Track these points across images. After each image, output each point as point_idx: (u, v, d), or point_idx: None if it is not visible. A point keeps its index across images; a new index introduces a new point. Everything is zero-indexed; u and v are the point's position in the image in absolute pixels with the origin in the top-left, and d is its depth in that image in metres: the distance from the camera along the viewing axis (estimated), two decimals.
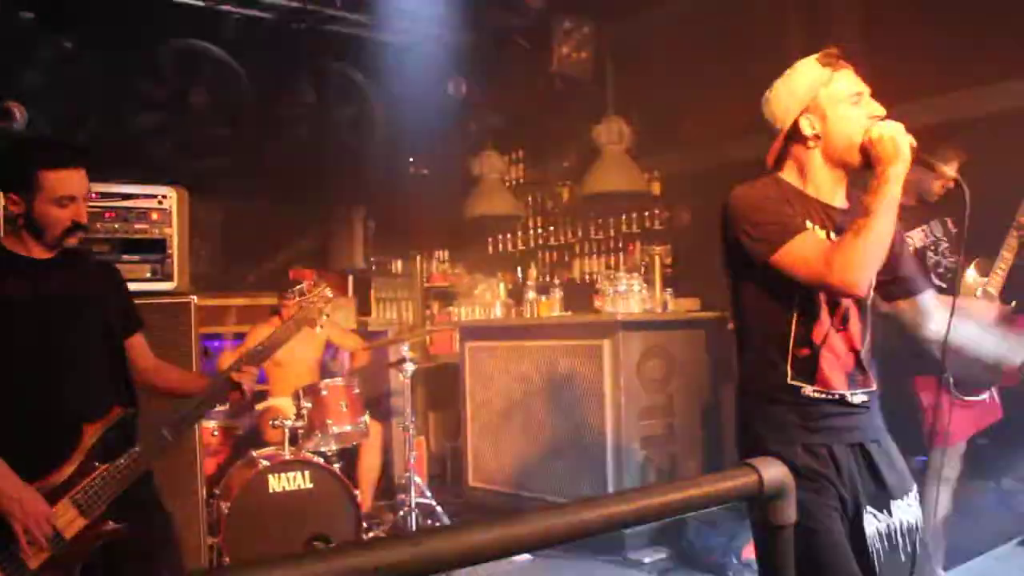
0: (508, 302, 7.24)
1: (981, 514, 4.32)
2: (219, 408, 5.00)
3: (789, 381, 2.18)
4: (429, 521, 5.23)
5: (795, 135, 2.23)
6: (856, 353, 2.23)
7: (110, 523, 2.51)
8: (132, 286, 3.34)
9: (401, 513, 5.18)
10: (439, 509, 5.35)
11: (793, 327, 2.18)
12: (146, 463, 2.59)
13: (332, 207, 7.67)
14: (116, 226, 3.33)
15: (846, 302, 2.20)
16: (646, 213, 6.89)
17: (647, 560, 4.63)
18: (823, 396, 2.18)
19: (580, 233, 7.50)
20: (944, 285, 3.73)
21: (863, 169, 2.16)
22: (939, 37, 4.84)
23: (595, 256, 7.36)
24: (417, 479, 5.32)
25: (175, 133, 5.66)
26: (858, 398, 2.22)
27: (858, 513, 2.16)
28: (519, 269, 7.83)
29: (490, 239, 8.26)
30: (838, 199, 2.26)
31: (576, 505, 1.26)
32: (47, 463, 2.48)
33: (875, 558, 2.14)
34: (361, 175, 7.37)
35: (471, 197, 7.69)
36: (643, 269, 6.19)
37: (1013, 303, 3.76)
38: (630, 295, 5.29)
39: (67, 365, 2.59)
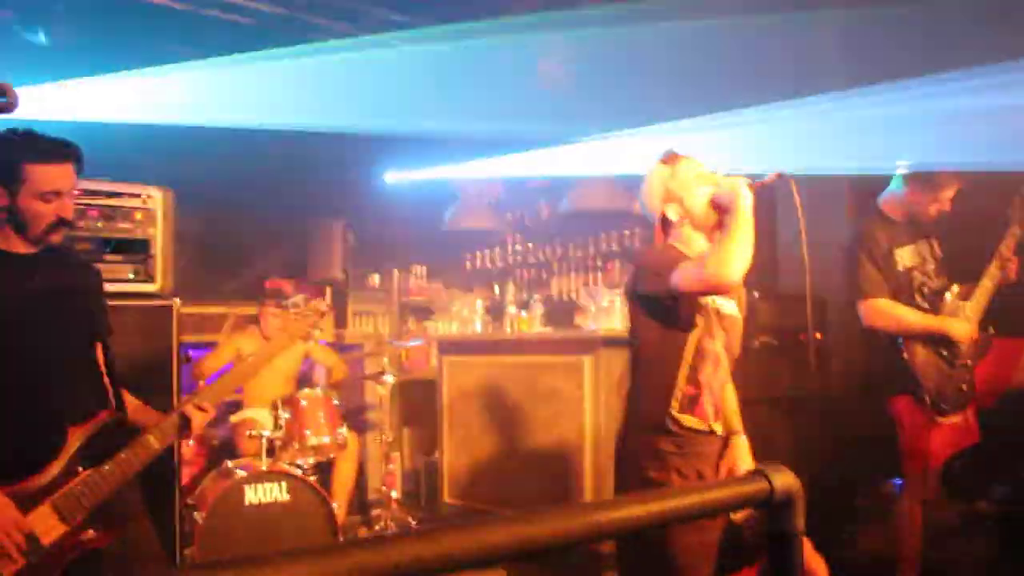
0: (486, 318, 7.21)
1: (955, 534, 4.34)
2: None
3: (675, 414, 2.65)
4: None
5: (667, 221, 2.76)
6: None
7: (91, 532, 2.43)
8: (113, 287, 3.30)
9: (377, 528, 5.12)
10: (414, 524, 5.29)
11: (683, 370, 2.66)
12: (132, 470, 2.50)
13: (312, 218, 7.62)
14: (99, 224, 3.25)
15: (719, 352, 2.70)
16: (625, 232, 6.92)
17: None
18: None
19: (559, 251, 7.51)
20: (927, 305, 3.78)
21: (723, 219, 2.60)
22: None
23: (573, 274, 7.37)
24: (394, 493, 5.26)
25: (155, 138, 5.60)
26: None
27: None
28: (496, 286, 7.81)
29: (468, 255, 8.24)
30: None
31: (593, 505, 1.24)
32: (29, 465, 2.40)
33: None
34: (341, 187, 7.34)
35: (450, 212, 7.68)
36: (623, 286, 6.18)
37: (989, 328, 3.80)
38: (612, 311, 5.28)
39: (50, 365, 2.52)
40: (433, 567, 1.08)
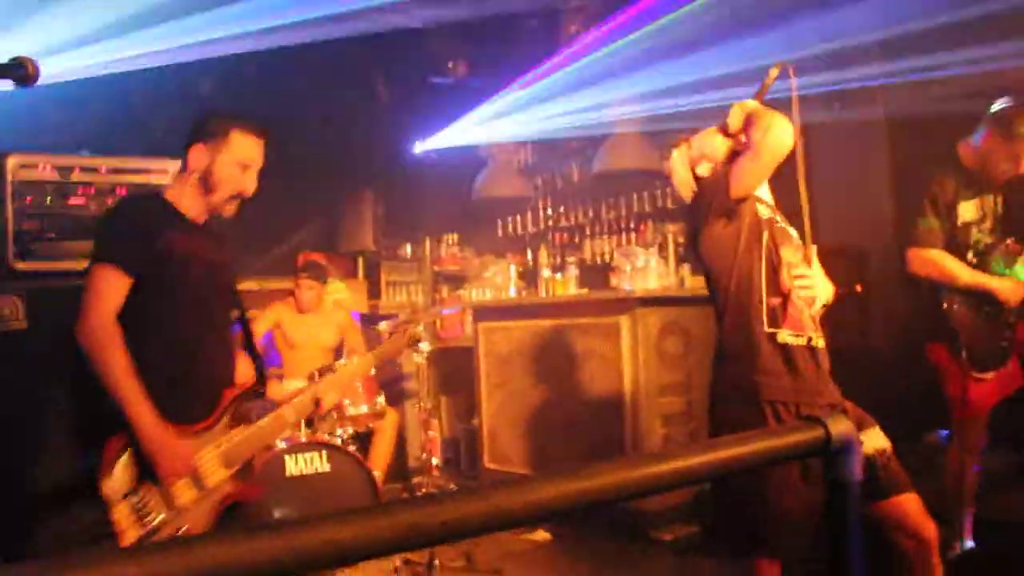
0: (519, 284, 7.19)
1: (1008, 484, 4.27)
2: None
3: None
4: None
5: (702, 180, 2.85)
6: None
7: (242, 483, 2.65)
8: None
9: (418, 495, 5.13)
10: (456, 490, 5.29)
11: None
12: (271, 438, 2.82)
13: (341, 191, 7.61)
14: None
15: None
16: (658, 191, 6.83)
17: (668, 538, 4.56)
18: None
19: (591, 213, 7.44)
20: (976, 261, 3.67)
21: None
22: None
23: (607, 236, 7.30)
24: (435, 461, 5.27)
25: (180, 112, 5.59)
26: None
27: None
28: (529, 251, 7.77)
29: (499, 221, 8.20)
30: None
31: (645, 458, 1.20)
32: (191, 417, 2.59)
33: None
34: (370, 158, 7.31)
35: (480, 179, 7.63)
36: (657, 247, 6.12)
37: None
38: (647, 271, 5.23)
39: (212, 327, 2.71)
40: (482, 524, 1.05)
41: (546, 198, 7.88)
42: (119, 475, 2.46)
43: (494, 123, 7.42)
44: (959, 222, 3.69)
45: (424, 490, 5.15)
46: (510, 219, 8.13)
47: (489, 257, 7.97)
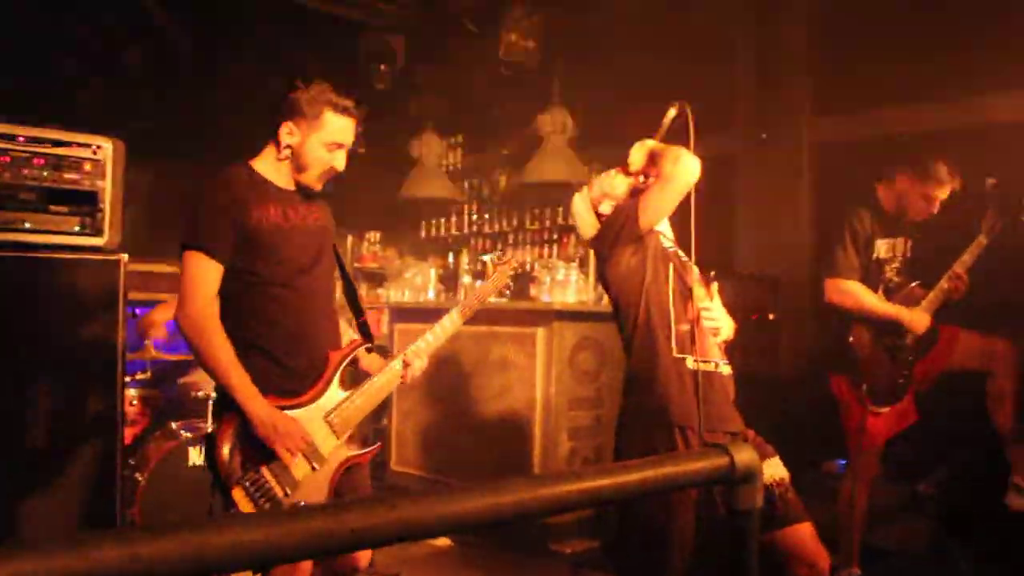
0: (439, 287, 7.16)
1: (895, 515, 4.43)
2: (139, 376, 4.83)
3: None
4: None
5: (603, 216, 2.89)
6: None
7: (356, 447, 2.73)
8: (58, 239, 3.20)
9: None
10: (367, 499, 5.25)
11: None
12: (382, 397, 2.83)
13: None
14: (45, 174, 3.10)
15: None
16: None
17: (568, 551, 4.61)
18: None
19: (515, 222, 7.47)
20: (886, 298, 3.84)
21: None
22: (881, 52, 4.95)
23: (529, 246, 7.34)
24: None
25: (106, 86, 5.44)
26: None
27: None
28: (451, 254, 7.76)
29: (424, 223, 8.17)
30: None
31: (555, 476, 1.22)
32: (300, 383, 2.65)
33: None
34: None
35: (407, 179, 7.59)
36: (578, 260, 6.18)
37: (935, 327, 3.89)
38: (567, 284, 5.28)
39: (313, 294, 2.72)
40: (391, 534, 1.05)
41: (472, 203, 7.88)
42: (232, 458, 2.53)
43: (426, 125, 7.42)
44: (874, 257, 3.84)
45: None
46: (434, 221, 8.11)
47: (410, 258, 7.93)
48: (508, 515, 1.16)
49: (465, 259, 7.21)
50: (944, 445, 4.47)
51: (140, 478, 4.11)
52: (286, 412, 2.57)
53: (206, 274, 2.54)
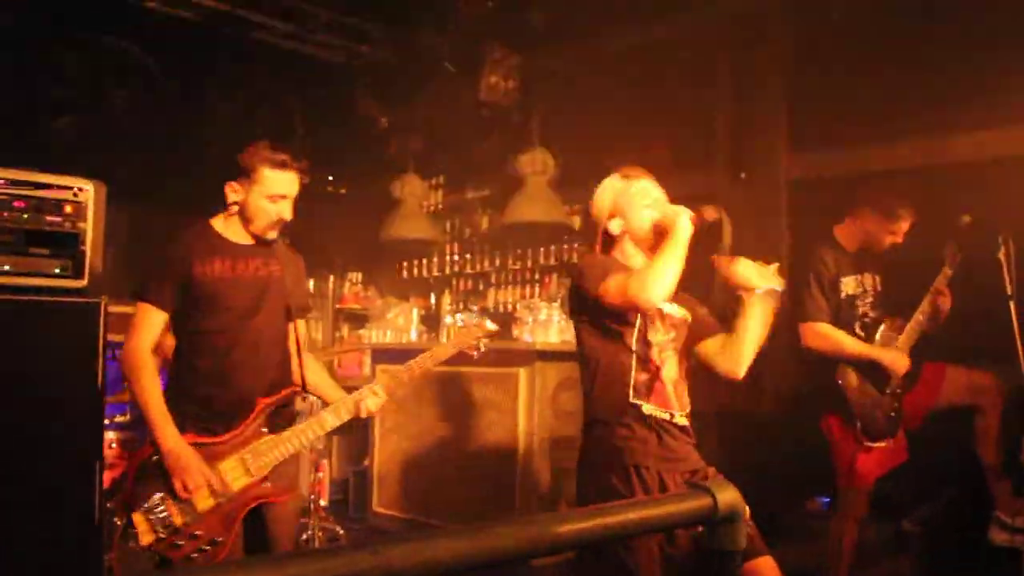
0: (421, 327, 7.16)
1: (881, 554, 4.42)
2: (117, 419, 4.78)
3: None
4: (332, 545, 5.07)
5: (608, 233, 2.79)
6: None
7: (269, 486, 2.91)
8: (38, 282, 3.16)
9: (304, 536, 5.02)
10: (342, 533, 5.20)
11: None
12: (308, 440, 3.03)
13: None
14: (25, 216, 3.08)
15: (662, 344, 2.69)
16: (565, 246, 6.93)
17: None
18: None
19: (497, 262, 7.48)
20: (863, 334, 3.88)
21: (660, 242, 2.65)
22: (858, 90, 5.03)
23: (511, 286, 7.34)
24: (323, 502, 5.17)
25: (85, 130, 5.44)
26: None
27: None
28: (432, 295, 7.76)
29: (405, 263, 8.17)
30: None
31: (538, 519, 1.22)
32: (222, 423, 2.90)
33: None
34: None
35: (389, 220, 7.61)
36: (560, 301, 6.19)
37: (919, 359, 3.92)
38: (549, 324, 5.29)
39: (252, 342, 2.96)
40: None
41: (453, 244, 7.89)
42: (137, 484, 2.84)
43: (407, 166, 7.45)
44: (842, 295, 3.88)
45: (310, 532, 5.04)
46: (416, 262, 8.11)
47: (392, 298, 7.92)
48: (491, 559, 1.16)
49: (447, 300, 7.21)
50: (928, 482, 4.48)
51: (118, 522, 4.05)
52: (200, 448, 2.84)
53: (148, 320, 2.94)
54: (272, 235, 3.01)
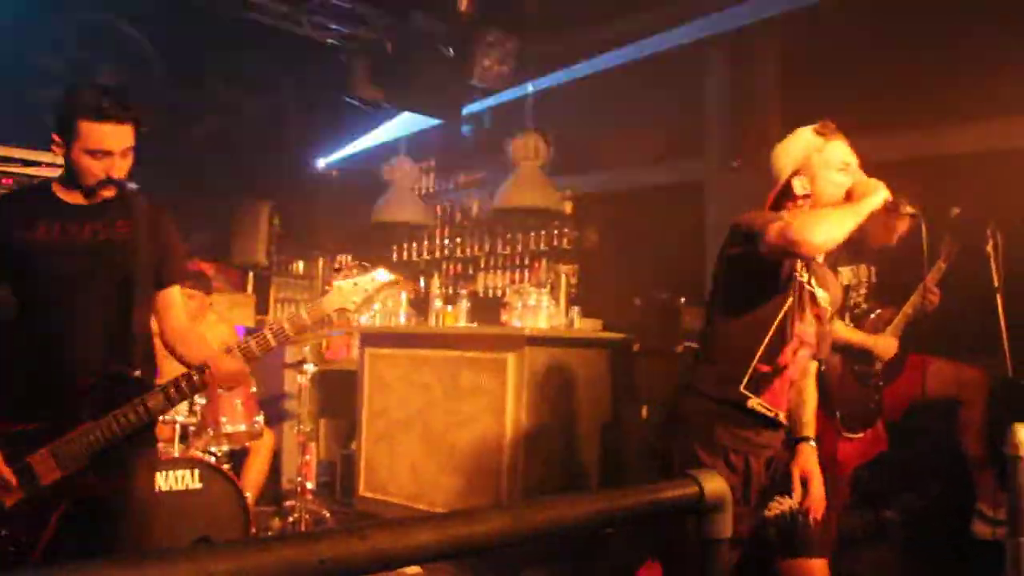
0: (410, 311, 7.15)
1: (862, 543, 4.46)
2: None
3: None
4: (319, 529, 5.09)
5: (788, 191, 2.54)
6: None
7: (90, 478, 2.48)
8: None
9: (290, 519, 5.03)
10: (329, 517, 5.21)
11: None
12: (131, 427, 2.48)
13: (237, 201, 7.45)
14: None
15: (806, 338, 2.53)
16: (555, 231, 6.93)
17: None
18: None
19: (487, 247, 7.49)
20: (853, 324, 3.89)
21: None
22: (850, 81, 5.03)
23: (500, 271, 7.35)
24: (309, 485, 5.17)
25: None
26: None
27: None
28: (422, 279, 7.76)
29: (395, 247, 8.16)
30: None
31: (526, 505, 1.22)
32: (42, 410, 2.48)
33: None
34: (270, 171, 7.19)
35: (380, 203, 7.60)
36: (549, 286, 6.20)
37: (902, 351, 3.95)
38: (539, 310, 5.29)
39: (78, 315, 2.54)
40: (361, 566, 1.04)
41: (443, 228, 7.89)
42: None
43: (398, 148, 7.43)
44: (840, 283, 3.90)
45: (296, 515, 5.05)
46: (406, 245, 8.11)
47: None
48: (480, 544, 1.16)
49: (436, 283, 7.20)
50: (910, 472, 4.52)
51: None
52: (10, 436, 2.45)
53: None
54: (108, 193, 2.59)
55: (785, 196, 2.56)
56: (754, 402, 2.47)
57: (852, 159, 2.53)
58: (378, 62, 6.36)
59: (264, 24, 5.81)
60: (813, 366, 2.75)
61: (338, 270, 2.40)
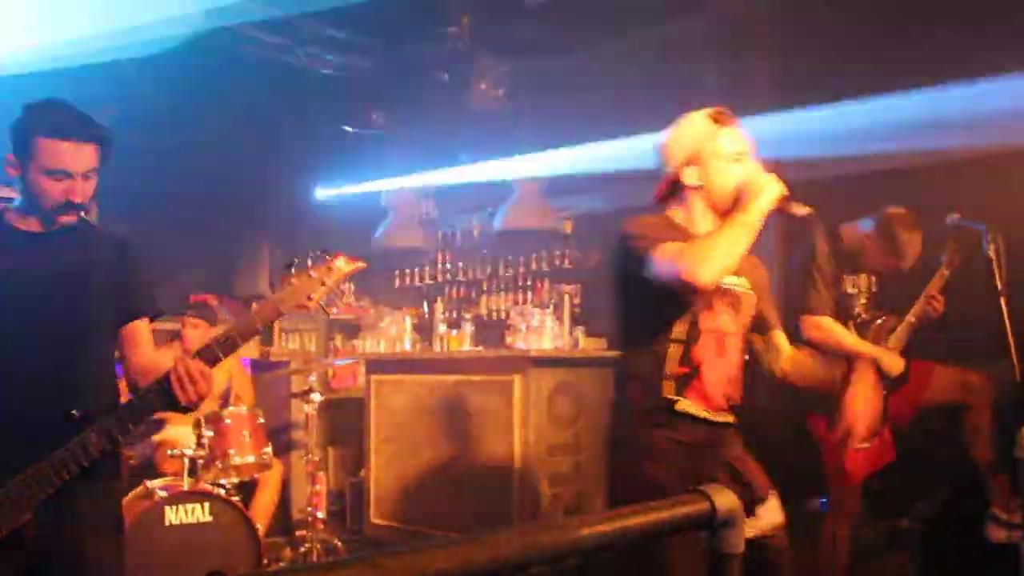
0: (414, 336, 7.16)
1: (879, 552, 4.44)
2: None
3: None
4: (331, 558, 5.06)
5: (679, 183, 2.42)
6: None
7: (41, 530, 2.24)
8: None
9: (302, 550, 5.01)
10: (340, 546, 5.19)
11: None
12: (69, 468, 2.23)
13: (237, 232, 7.47)
14: None
15: (723, 329, 2.42)
16: (556, 252, 6.94)
17: None
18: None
19: (489, 270, 7.50)
20: (856, 334, 3.88)
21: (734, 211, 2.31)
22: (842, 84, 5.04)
23: (503, 293, 7.36)
24: (320, 514, 5.16)
25: None
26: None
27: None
28: (425, 303, 7.76)
29: (397, 272, 8.17)
30: None
31: (535, 527, 1.22)
32: None
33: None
34: (269, 200, 7.21)
35: (381, 229, 7.62)
36: (552, 307, 6.21)
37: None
38: (543, 331, 5.29)
39: (27, 352, 2.33)
40: None
41: (445, 252, 7.91)
42: None
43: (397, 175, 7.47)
44: (843, 291, 3.90)
45: (308, 545, 5.03)
46: (408, 271, 8.12)
47: (385, 308, 7.92)
48: (495, 568, 1.16)
49: (440, 308, 7.21)
50: (925, 479, 4.50)
51: None
52: None
53: None
54: (68, 220, 2.38)
55: (675, 189, 2.44)
56: (684, 404, 2.37)
57: (746, 148, 2.39)
58: (374, 90, 6.41)
59: (260, 55, 5.86)
60: (784, 343, 2.65)
61: (289, 266, 2.18)
